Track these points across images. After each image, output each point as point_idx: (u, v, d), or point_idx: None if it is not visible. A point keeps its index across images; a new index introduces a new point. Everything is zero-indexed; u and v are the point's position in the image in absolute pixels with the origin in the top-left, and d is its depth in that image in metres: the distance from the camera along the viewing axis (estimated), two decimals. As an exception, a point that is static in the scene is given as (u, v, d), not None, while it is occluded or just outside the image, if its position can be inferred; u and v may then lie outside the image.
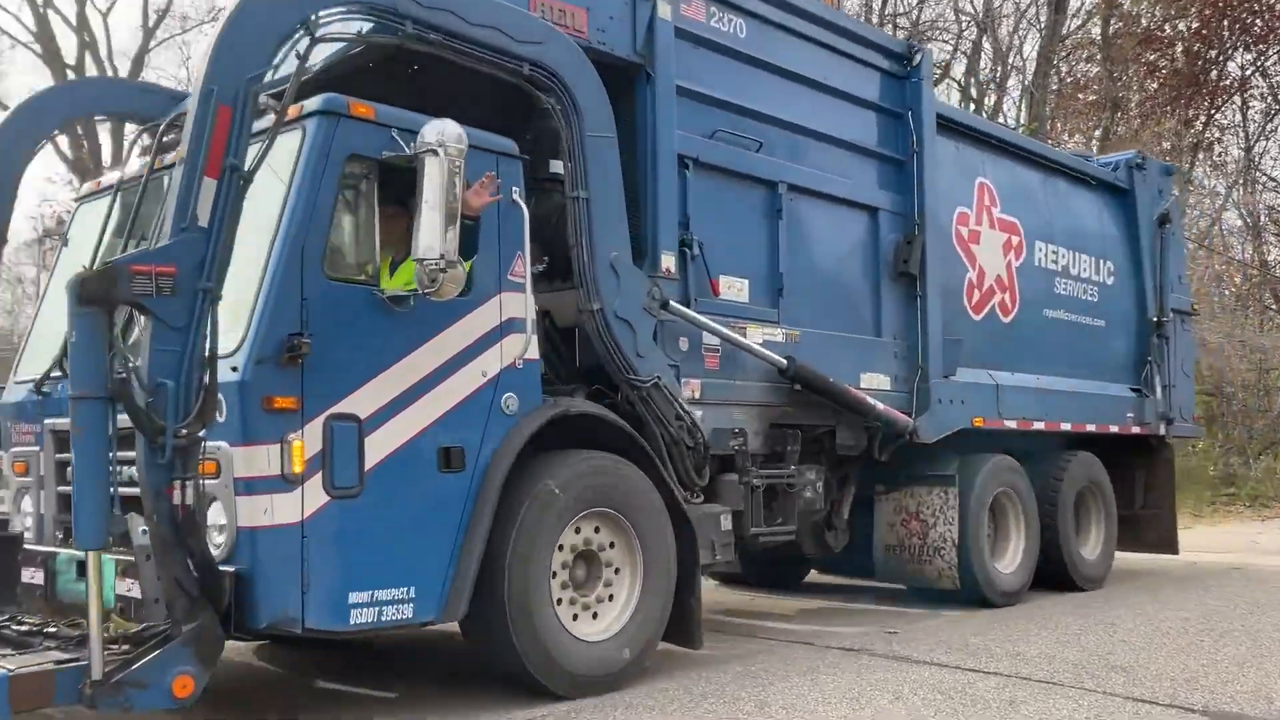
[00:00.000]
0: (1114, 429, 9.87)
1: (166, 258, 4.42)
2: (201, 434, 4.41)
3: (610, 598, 5.85)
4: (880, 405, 7.59)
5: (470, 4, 5.40)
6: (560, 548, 5.59)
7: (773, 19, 7.30)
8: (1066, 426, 9.34)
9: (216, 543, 4.69)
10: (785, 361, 6.99)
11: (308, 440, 4.76)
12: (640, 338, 6.13)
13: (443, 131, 4.91)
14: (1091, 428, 9.61)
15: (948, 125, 8.66)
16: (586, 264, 5.91)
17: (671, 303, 6.37)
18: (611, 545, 5.84)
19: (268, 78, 4.78)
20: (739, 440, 6.70)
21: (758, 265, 7.14)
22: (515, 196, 5.63)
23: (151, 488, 4.31)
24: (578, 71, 5.88)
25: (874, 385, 7.76)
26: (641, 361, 6.10)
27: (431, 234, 4.79)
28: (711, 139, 6.88)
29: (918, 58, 8.28)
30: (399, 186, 5.11)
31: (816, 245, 7.62)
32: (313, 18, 4.89)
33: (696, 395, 6.55)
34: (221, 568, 4.59)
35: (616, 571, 5.87)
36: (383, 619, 4.98)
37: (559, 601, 5.59)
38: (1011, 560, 8.74)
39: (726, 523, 6.46)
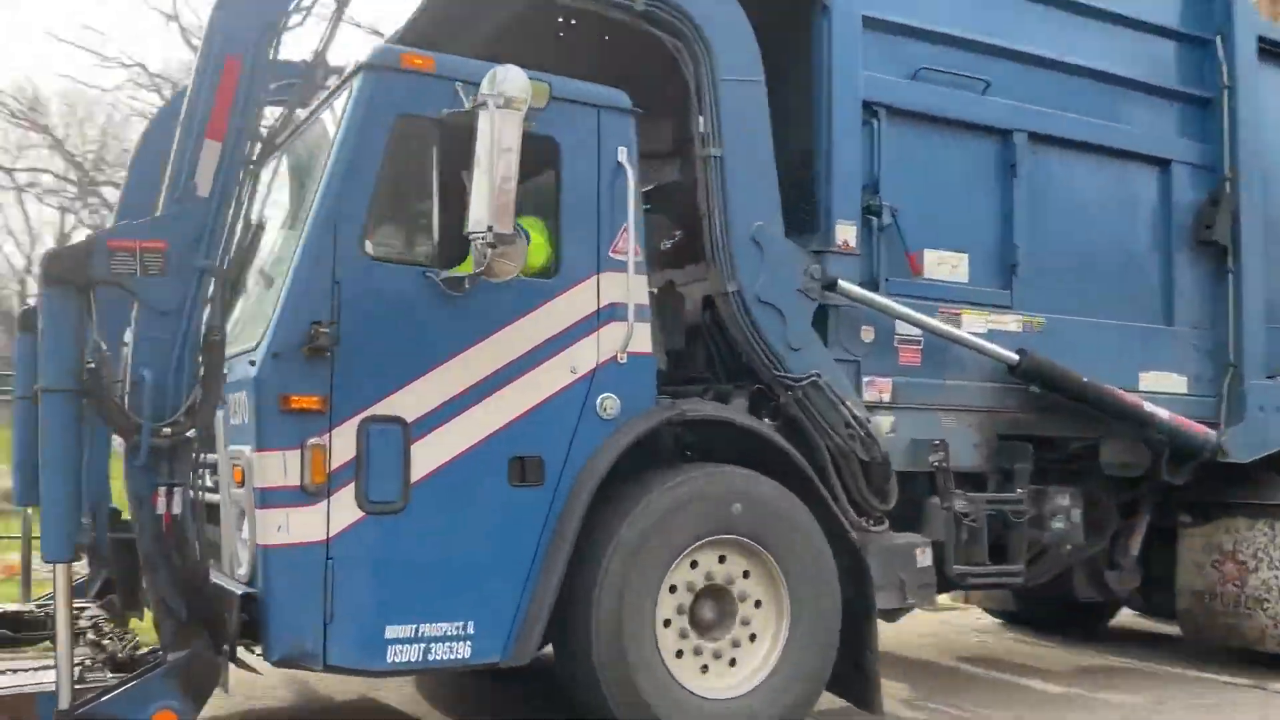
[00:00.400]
0: None
1: (156, 231, 3.88)
2: (191, 434, 3.84)
3: (752, 638, 4.71)
4: (1164, 413, 5.89)
5: None
6: (673, 587, 4.55)
7: None
8: None
9: (241, 562, 4.11)
10: (1016, 356, 5.53)
11: (336, 446, 4.07)
12: (791, 326, 5.02)
13: (502, 80, 4.03)
14: None
15: (1274, 50, 6.60)
16: (720, 237, 4.93)
17: (842, 282, 5.16)
18: (746, 575, 4.71)
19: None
20: (939, 455, 5.33)
21: (983, 236, 5.75)
22: (621, 158, 4.66)
23: (133, 494, 3.79)
24: (721, 10, 4.92)
25: (1161, 387, 6.07)
26: (795, 355, 5.01)
27: (480, 203, 3.93)
28: (914, 79, 5.58)
29: None
30: (465, 151, 4.29)
31: (1073, 210, 6.00)
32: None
33: (885, 397, 5.36)
34: (245, 590, 4.00)
35: (758, 605, 4.72)
36: (430, 659, 4.20)
37: (674, 652, 4.54)
38: None
39: (925, 558, 5.11)
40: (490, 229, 3.91)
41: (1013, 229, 5.76)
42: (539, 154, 4.47)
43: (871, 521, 5.02)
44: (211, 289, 3.91)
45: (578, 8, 4.95)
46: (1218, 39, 6.33)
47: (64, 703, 3.69)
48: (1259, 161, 6.36)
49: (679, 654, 4.57)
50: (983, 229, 5.73)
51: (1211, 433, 6.05)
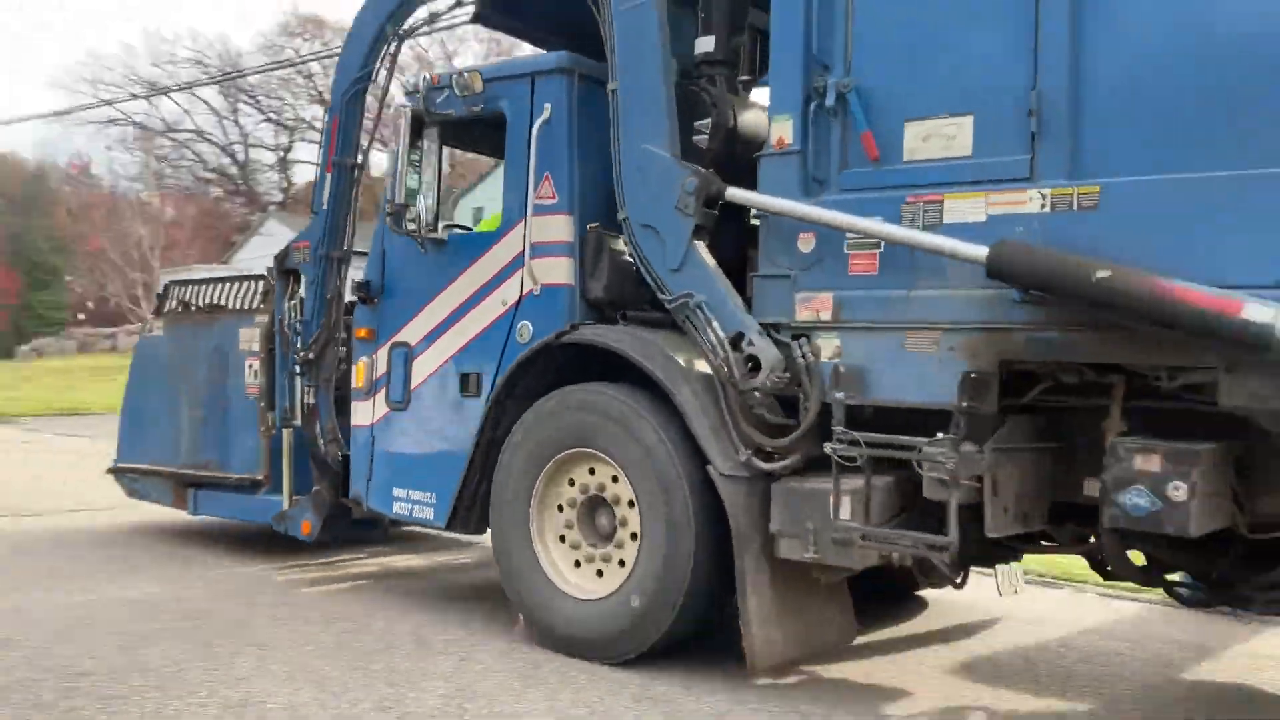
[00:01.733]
0: None
1: (303, 235, 6.35)
2: (320, 354, 6.40)
3: (634, 537, 4.99)
4: (1248, 306, 3.50)
5: None
6: (556, 489, 5.28)
7: None
8: None
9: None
10: (981, 251, 4.04)
11: (379, 362, 5.96)
12: (669, 246, 4.92)
13: (413, 85, 5.52)
14: None
15: None
16: (617, 166, 5.01)
17: (731, 190, 4.72)
18: (615, 480, 5.08)
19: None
20: (897, 387, 4.37)
21: (990, 84, 4.21)
22: (547, 114, 5.26)
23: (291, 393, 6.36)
24: None
25: None
26: (675, 276, 4.93)
27: (395, 183, 5.45)
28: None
29: None
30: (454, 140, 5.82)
31: (1140, 22, 3.93)
32: (389, 27, 5.94)
33: (825, 316, 4.57)
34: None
35: (631, 505, 5.00)
36: (413, 515, 5.99)
37: (563, 542, 5.26)
38: None
39: (846, 509, 4.36)
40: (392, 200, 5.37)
41: (1037, 65, 4.05)
42: (496, 127, 5.47)
43: (763, 458, 4.52)
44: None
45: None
46: None
47: (283, 508, 6.65)
48: None
49: (577, 564, 5.24)
50: (996, 74, 4.17)
51: None
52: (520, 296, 5.49)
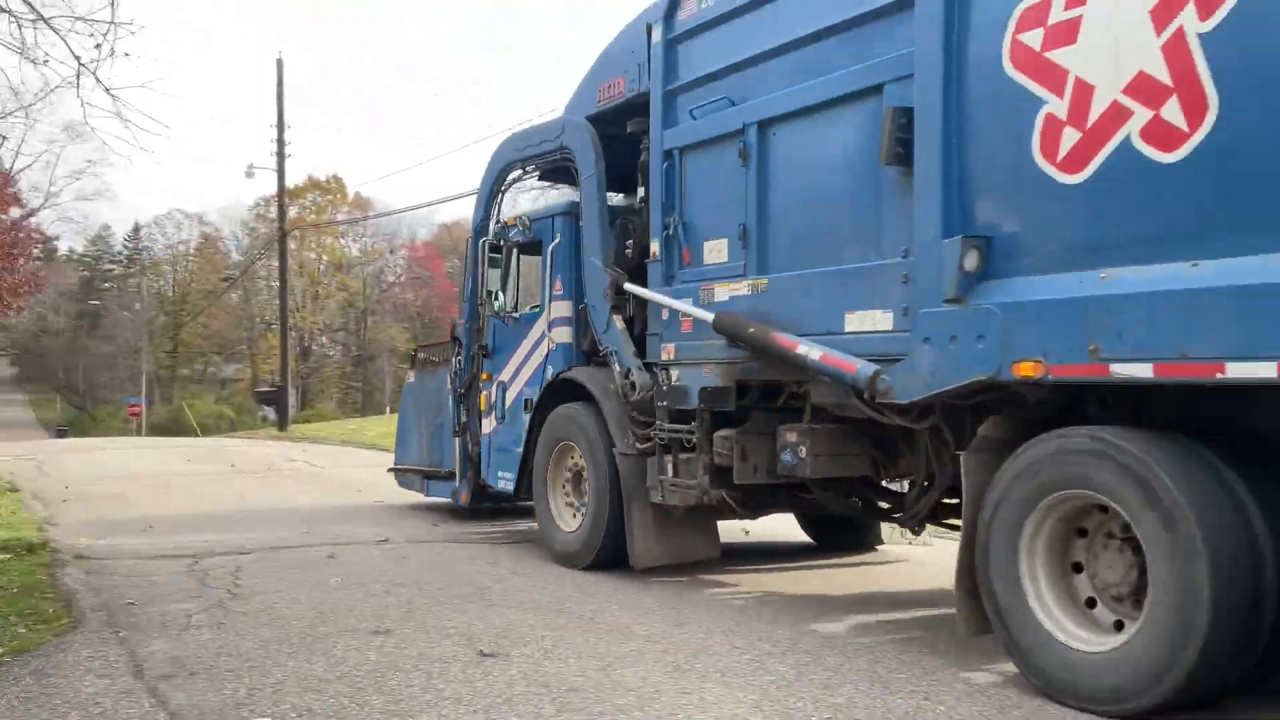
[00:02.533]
0: None
1: (462, 314, 9.90)
2: (468, 390, 9.79)
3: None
4: (816, 354, 5.90)
5: (545, 133, 8.95)
6: (559, 465, 8.46)
7: None
8: None
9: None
10: (709, 315, 6.81)
11: (492, 393, 9.43)
12: (597, 320, 8.05)
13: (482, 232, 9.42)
14: None
15: None
16: (580, 271, 8.23)
17: (626, 285, 7.81)
18: (580, 460, 8.21)
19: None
20: (686, 398, 7.17)
21: (734, 222, 6.81)
22: (557, 239, 8.70)
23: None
24: (579, 142, 8.41)
25: (865, 327, 5.80)
26: (605, 336, 7.96)
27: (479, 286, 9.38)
28: (694, 120, 7.22)
29: None
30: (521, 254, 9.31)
31: (794, 174, 6.44)
32: (499, 186, 9.57)
33: (671, 357, 7.38)
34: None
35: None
36: (501, 488, 9.25)
37: (561, 496, 8.46)
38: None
39: (669, 470, 7.24)
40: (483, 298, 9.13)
41: (745, 208, 6.67)
42: (537, 247, 8.88)
43: (637, 441, 7.54)
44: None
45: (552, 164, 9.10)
46: None
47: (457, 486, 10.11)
48: (952, 38, 5.26)
49: (569, 507, 8.38)
50: (733, 216, 6.78)
51: (866, 371, 5.57)
52: (548, 350, 8.70)
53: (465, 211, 12.09)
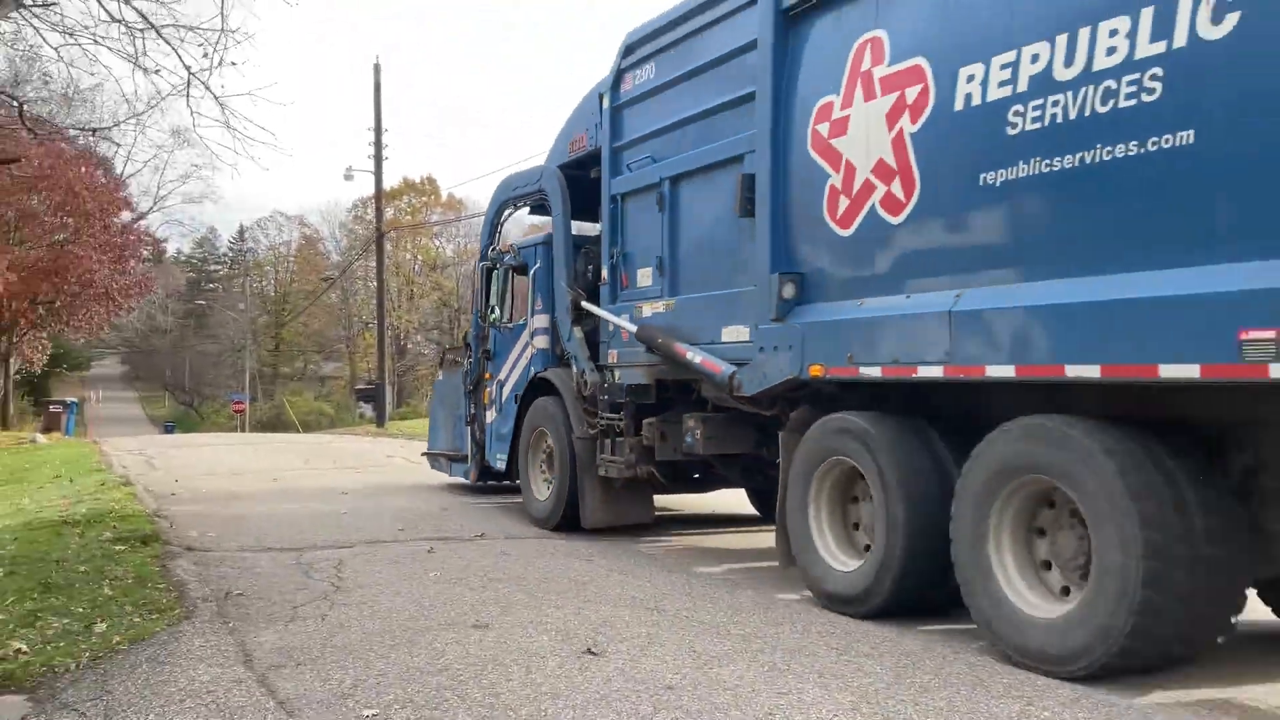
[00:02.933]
0: (1191, 372, 4.52)
1: (472, 324, 11.84)
2: (475, 387, 11.66)
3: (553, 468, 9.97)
4: (697, 358, 7.71)
5: (529, 177, 10.94)
6: (536, 448, 10.28)
7: (663, 44, 8.49)
8: (1005, 372, 5.36)
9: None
10: (634, 327, 8.59)
11: (493, 389, 11.29)
12: (563, 330, 10.00)
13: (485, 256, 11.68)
14: (1087, 371, 4.96)
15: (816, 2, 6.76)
16: (554, 291, 10.22)
17: (583, 303, 9.68)
18: (551, 443, 9.98)
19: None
20: (620, 393, 8.97)
21: (655, 254, 8.57)
22: (539, 263, 10.51)
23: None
24: (551, 187, 10.28)
25: (734, 338, 7.53)
26: (568, 343, 9.85)
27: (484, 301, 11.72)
28: (630, 172, 8.95)
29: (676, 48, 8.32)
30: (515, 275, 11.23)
31: (692, 219, 8.21)
32: (498, 218, 11.70)
33: (615, 361, 9.14)
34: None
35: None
36: (498, 468, 11.10)
37: (538, 472, 10.31)
38: (859, 560, 6.61)
39: (607, 450, 9.09)
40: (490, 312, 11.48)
41: (662, 244, 8.43)
42: (525, 270, 10.76)
43: (589, 428, 9.26)
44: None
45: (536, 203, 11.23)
46: (756, 41, 7.24)
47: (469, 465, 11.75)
48: (778, 124, 6.97)
49: (546, 486, 10.09)
50: (654, 250, 8.55)
51: (727, 372, 7.31)
52: (531, 354, 10.52)
53: None
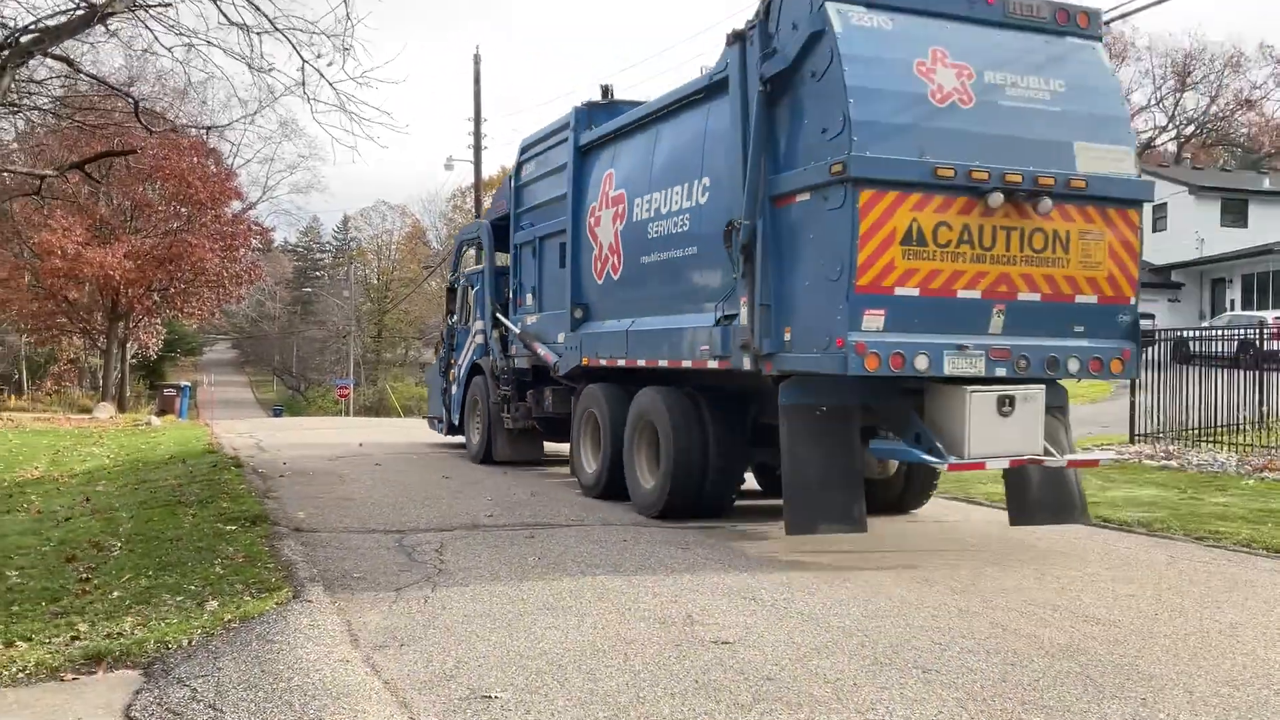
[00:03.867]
0: (686, 364, 9.28)
1: (445, 326, 17.63)
2: (446, 368, 17.07)
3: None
4: (544, 352, 12.41)
5: (473, 228, 16.84)
6: (473, 410, 15.16)
7: (536, 152, 12.98)
8: (641, 363, 10.05)
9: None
10: (519, 331, 13.20)
11: (457, 370, 16.22)
12: (489, 333, 14.62)
13: (458, 275, 17.35)
14: (664, 363, 9.68)
15: (591, 146, 11.33)
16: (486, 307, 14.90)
17: (498, 315, 14.18)
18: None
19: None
20: (513, 374, 13.74)
21: (533, 284, 13.07)
22: (478, 287, 15.54)
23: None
24: (485, 236, 15.19)
25: (560, 340, 12.01)
26: (491, 342, 14.43)
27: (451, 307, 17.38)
28: (522, 230, 13.34)
29: (534, 161, 13.13)
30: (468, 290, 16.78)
31: (548, 264, 12.57)
32: (460, 252, 17.70)
33: (513, 353, 13.74)
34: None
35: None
36: (454, 423, 16.35)
37: (473, 426, 15.18)
38: (595, 461, 11.25)
39: (506, 409, 13.87)
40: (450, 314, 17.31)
41: (536, 278, 12.90)
42: (469, 289, 16.26)
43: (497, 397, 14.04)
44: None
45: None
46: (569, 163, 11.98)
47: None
48: (576, 218, 11.63)
49: (477, 435, 15.08)
50: (532, 281, 13.07)
51: (554, 361, 12.02)
52: (474, 347, 15.28)
53: None
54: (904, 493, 9.96)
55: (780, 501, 8.01)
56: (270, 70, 10.87)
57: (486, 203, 63.93)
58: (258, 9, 10.85)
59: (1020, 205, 7.59)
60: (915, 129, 7.44)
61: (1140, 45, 60.15)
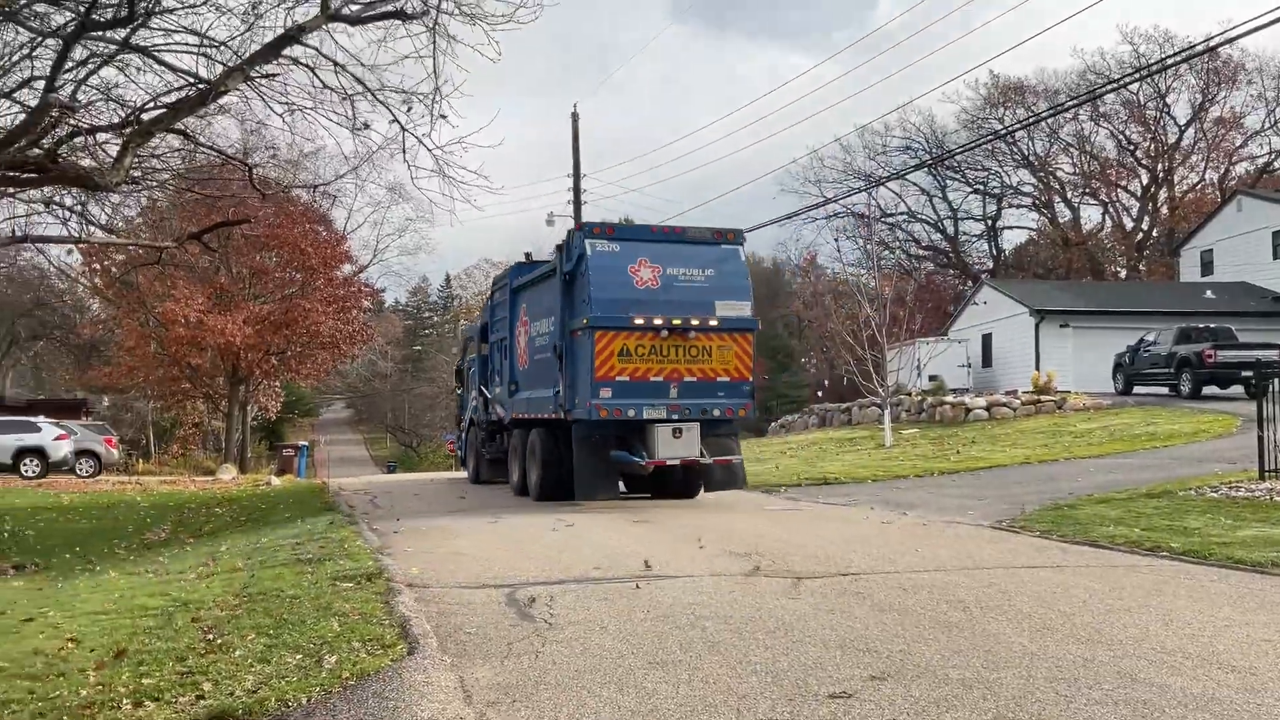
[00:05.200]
0: (545, 415, 16.76)
1: (459, 395, 25.64)
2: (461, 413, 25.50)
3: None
4: (500, 410, 19.55)
5: (471, 329, 24.34)
6: (471, 448, 23.10)
7: (498, 286, 20.39)
8: (531, 416, 17.56)
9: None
10: (490, 398, 20.43)
11: (464, 424, 24.35)
12: (477, 400, 21.62)
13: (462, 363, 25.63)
14: (536, 416, 17.31)
15: (517, 289, 18.67)
16: (476, 379, 22.08)
17: (482, 386, 20.83)
18: None
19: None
20: (488, 425, 20.84)
21: (498, 370, 19.78)
22: (472, 368, 22.69)
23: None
24: (475, 336, 22.37)
25: (505, 403, 18.93)
26: (477, 405, 21.59)
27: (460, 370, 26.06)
28: (492, 335, 20.44)
29: (497, 293, 20.44)
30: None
31: (501, 358, 19.51)
32: (465, 348, 25.05)
33: (491, 411, 20.39)
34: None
35: None
36: (462, 461, 25.76)
37: (471, 460, 23.22)
38: (516, 471, 18.74)
39: (485, 447, 21.49)
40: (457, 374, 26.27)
41: (502, 366, 19.36)
42: (468, 370, 24.39)
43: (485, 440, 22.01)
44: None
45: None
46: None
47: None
48: (509, 331, 19.27)
49: (472, 463, 23.57)
50: (498, 368, 19.79)
51: (503, 416, 19.48)
52: (472, 407, 22.43)
53: (749, 248, 15.93)
54: (686, 484, 16.79)
55: (632, 492, 17.97)
56: (366, 128, 11.26)
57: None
58: (355, 78, 11.31)
59: (683, 334, 15.16)
60: (625, 301, 15.06)
61: (1250, 68, 58.18)
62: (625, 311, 14.85)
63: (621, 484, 17.61)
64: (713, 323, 15.10)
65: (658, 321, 14.83)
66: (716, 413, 15.19)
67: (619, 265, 15.05)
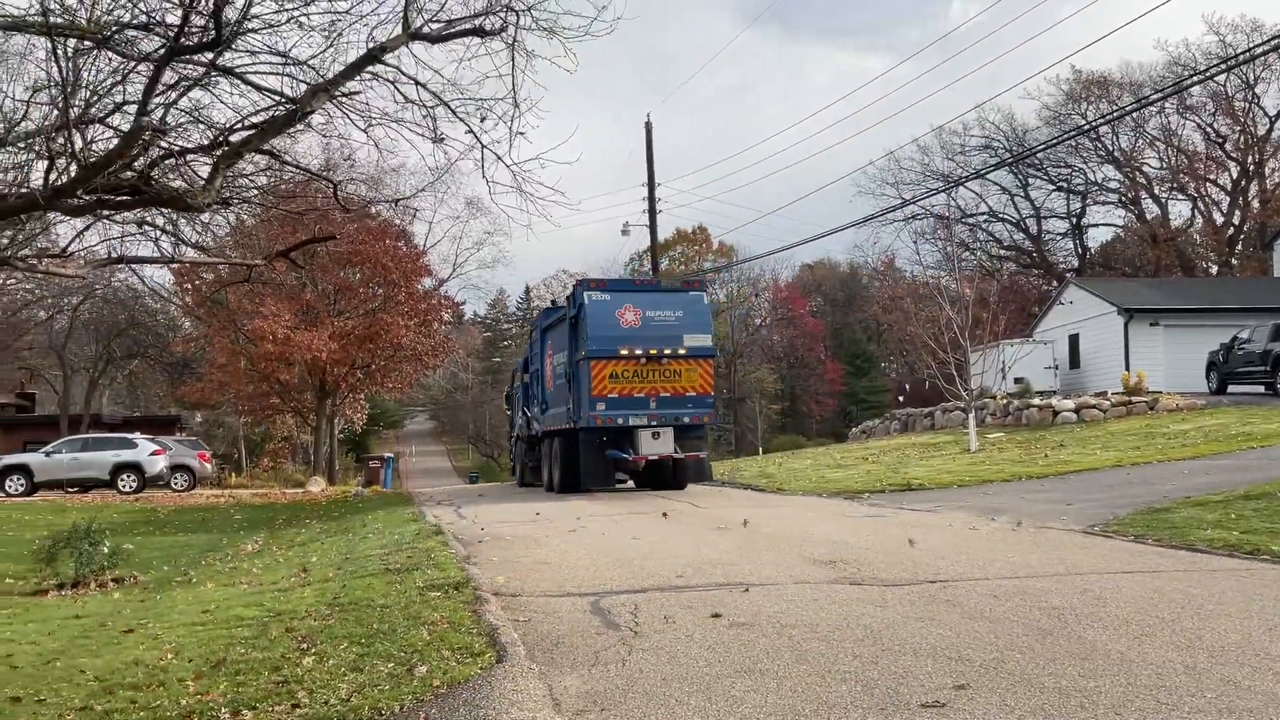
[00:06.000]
0: (562, 426, 22.04)
1: (510, 416, 32.33)
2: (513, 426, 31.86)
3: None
4: (538, 426, 25.53)
5: (518, 364, 31.55)
6: (519, 459, 29.83)
7: (537, 328, 27.27)
8: (554, 428, 23.00)
9: None
10: (531, 416, 26.56)
11: (512, 439, 32.43)
12: (521, 418, 28.20)
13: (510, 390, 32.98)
14: (558, 427, 22.56)
15: (545, 329, 24.68)
16: (521, 402, 29.09)
17: (524, 409, 27.49)
18: None
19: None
20: (529, 438, 26.85)
21: (535, 394, 25.68)
22: (520, 394, 29.31)
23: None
24: (519, 370, 29.96)
25: (538, 420, 25.39)
26: (520, 422, 28.66)
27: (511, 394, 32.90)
28: (528, 371, 27.44)
29: (533, 332, 27.57)
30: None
31: (538, 386, 25.39)
32: (514, 379, 31.63)
33: (531, 428, 26.39)
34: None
35: None
36: (512, 470, 33.01)
37: (518, 468, 30.19)
38: (546, 474, 23.99)
39: (529, 457, 27.68)
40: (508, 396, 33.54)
41: (538, 390, 25.55)
42: (515, 395, 32.15)
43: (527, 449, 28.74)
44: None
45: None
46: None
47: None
48: (542, 365, 25.65)
49: (515, 471, 31.61)
50: (535, 392, 25.92)
51: (535, 431, 26.19)
52: (518, 424, 29.11)
53: (825, 251, 15.46)
54: (675, 480, 21.82)
55: (631, 485, 22.78)
56: (442, 139, 11.39)
57: (664, 264, 64.80)
58: (434, 93, 11.49)
59: (659, 361, 20.77)
60: (614, 337, 20.67)
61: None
62: (614, 345, 20.59)
63: (630, 481, 22.83)
64: (681, 351, 20.84)
65: (639, 351, 20.60)
66: (686, 419, 20.92)
67: (609, 310, 20.79)
